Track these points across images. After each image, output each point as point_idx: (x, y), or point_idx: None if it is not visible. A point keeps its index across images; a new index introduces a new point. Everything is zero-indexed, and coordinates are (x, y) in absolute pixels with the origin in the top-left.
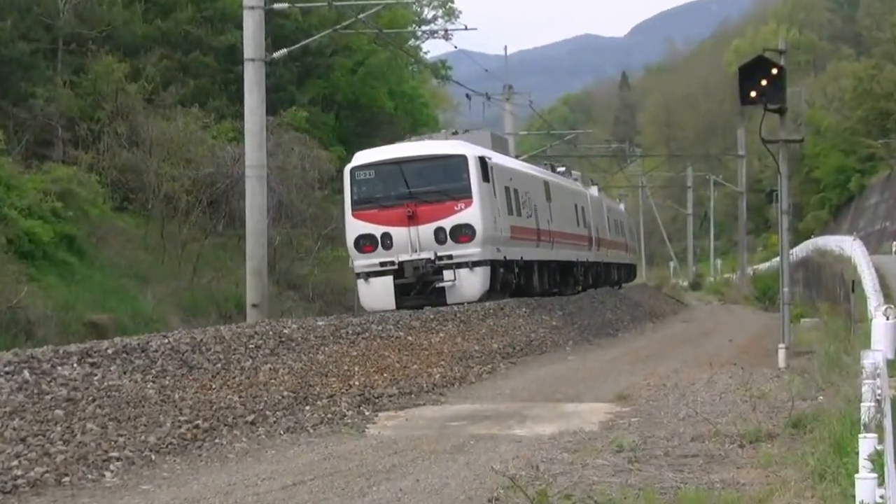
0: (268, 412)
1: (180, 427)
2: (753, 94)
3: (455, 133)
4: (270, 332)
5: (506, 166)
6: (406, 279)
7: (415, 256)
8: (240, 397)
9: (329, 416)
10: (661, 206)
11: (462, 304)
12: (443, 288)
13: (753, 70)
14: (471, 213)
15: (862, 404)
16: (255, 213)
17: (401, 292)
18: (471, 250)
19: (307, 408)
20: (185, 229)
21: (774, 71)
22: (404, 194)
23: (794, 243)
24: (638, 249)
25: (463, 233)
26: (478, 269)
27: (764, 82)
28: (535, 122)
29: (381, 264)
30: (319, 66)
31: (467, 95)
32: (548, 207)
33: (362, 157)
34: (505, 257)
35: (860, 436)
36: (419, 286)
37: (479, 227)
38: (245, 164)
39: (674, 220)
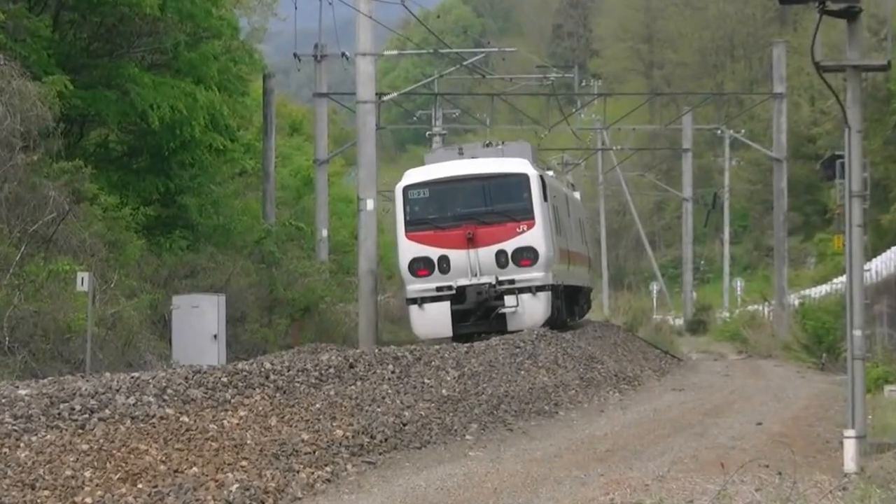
0: None
1: None
2: None
3: (489, 144)
4: None
5: (552, 183)
6: (464, 305)
7: (474, 281)
8: None
9: None
10: (636, 184)
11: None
12: (504, 314)
13: None
14: (534, 236)
15: None
16: None
17: (458, 319)
18: (533, 274)
19: None
20: None
21: None
22: (463, 215)
23: (872, 250)
24: (597, 261)
25: (525, 256)
26: (541, 295)
27: None
28: (413, 32)
29: (438, 289)
30: None
31: None
32: (568, 224)
33: (415, 174)
34: (560, 282)
35: None
36: (480, 312)
37: (542, 250)
38: None
39: (659, 209)
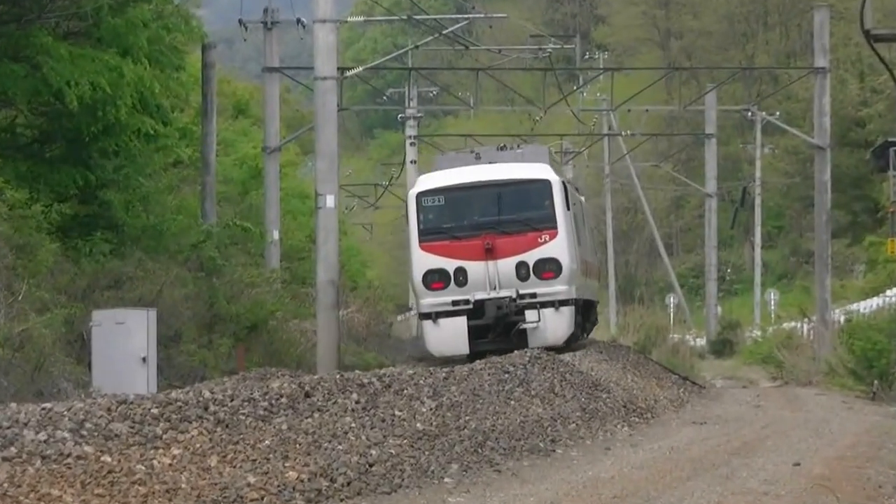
0: None
1: None
2: None
3: (503, 147)
4: None
5: (572, 190)
6: (482, 320)
7: (493, 294)
8: None
9: None
10: (649, 176)
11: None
12: (524, 330)
13: None
14: (556, 246)
15: None
16: None
17: (476, 335)
18: (556, 288)
19: None
20: None
21: None
22: (481, 224)
23: None
24: (602, 269)
25: (547, 268)
26: (564, 309)
27: None
28: None
29: (454, 303)
30: None
31: None
32: (584, 232)
33: (429, 180)
34: (580, 296)
35: None
36: (499, 328)
37: (565, 262)
38: None
39: (677, 206)
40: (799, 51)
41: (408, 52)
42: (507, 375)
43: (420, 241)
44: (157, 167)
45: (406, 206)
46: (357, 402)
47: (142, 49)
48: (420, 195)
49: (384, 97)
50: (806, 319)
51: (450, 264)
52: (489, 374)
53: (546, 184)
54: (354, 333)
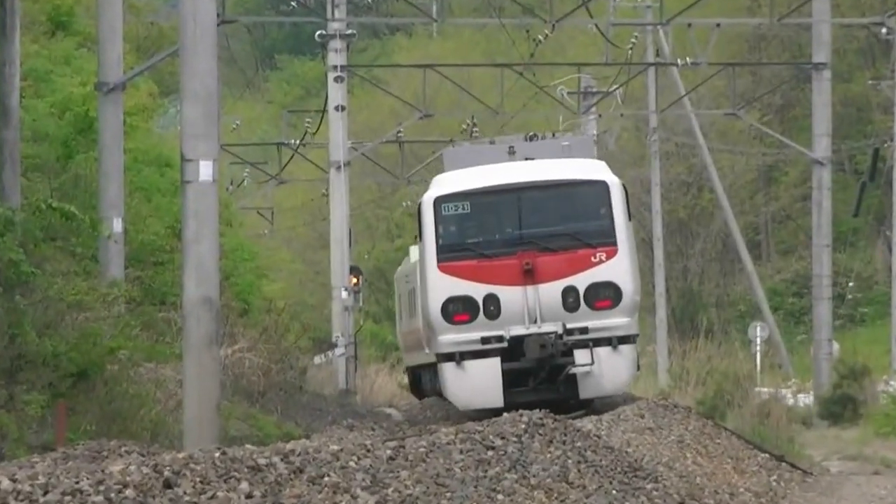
0: None
1: None
2: None
3: (534, 137)
4: None
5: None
6: (520, 363)
7: (533, 329)
8: None
9: None
10: (721, 133)
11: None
12: (574, 376)
13: None
14: (615, 267)
15: None
16: None
17: (512, 382)
18: (615, 320)
19: None
20: None
21: None
22: (517, 238)
23: None
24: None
25: (604, 295)
26: (624, 349)
27: None
28: None
29: (484, 340)
30: None
31: None
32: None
33: (450, 182)
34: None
35: None
36: (543, 373)
37: (626, 287)
38: None
39: (767, 182)
40: None
41: None
42: (490, 453)
43: (438, 261)
44: None
45: (419, 214)
46: (249, 498)
47: None
48: (439, 201)
49: (292, 3)
50: None
51: (477, 290)
52: (462, 452)
53: (602, 186)
54: (245, 385)
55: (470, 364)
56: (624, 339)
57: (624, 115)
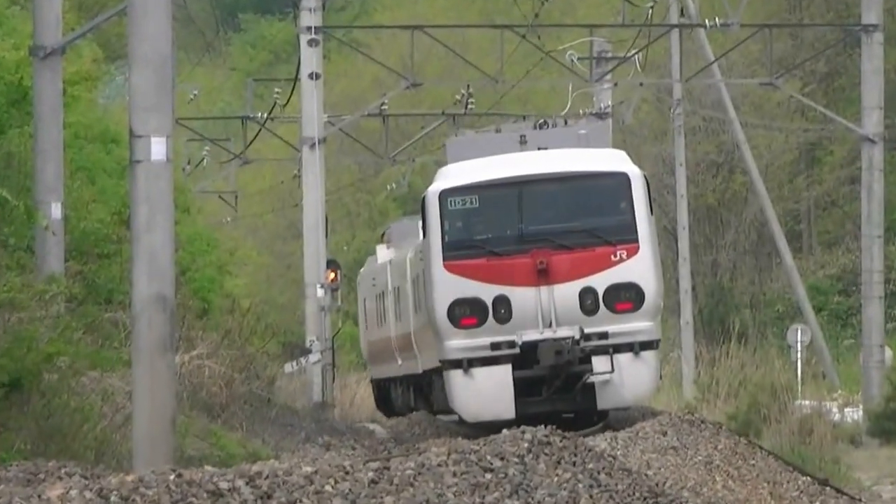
0: None
1: None
2: None
3: (543, 124)
4: None
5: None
6: (533, 371)
7: (548, 334)
8: None
9: None
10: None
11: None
12: (592, 385)
13: None
14: (637, 266)
15: None
16: None
17: (524, 391)
18: (636, 325)
19: None
20: None
21: None
22: (530, 235)
23: None
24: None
25: (625, 297)
26: (646, 355)
27: None
28: None
29: (493, 346)
30: None
31: None
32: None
33: (457, 174)
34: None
35: None
36: (558, 381)
37: (649, 288)
38: None
39: (809, 164)
40: None
41: None
42: (488, 476)
43: (444, 259)
44: None
45: (423, 209)
46: None
47: None
48: (444, 194)
49: None
50: None
51: (487, 291)
52: (456, 475)
53: (622, 178)
54: (205, 397)
55: (478, 372)
56: (646, 345)
57: (643, 84)
